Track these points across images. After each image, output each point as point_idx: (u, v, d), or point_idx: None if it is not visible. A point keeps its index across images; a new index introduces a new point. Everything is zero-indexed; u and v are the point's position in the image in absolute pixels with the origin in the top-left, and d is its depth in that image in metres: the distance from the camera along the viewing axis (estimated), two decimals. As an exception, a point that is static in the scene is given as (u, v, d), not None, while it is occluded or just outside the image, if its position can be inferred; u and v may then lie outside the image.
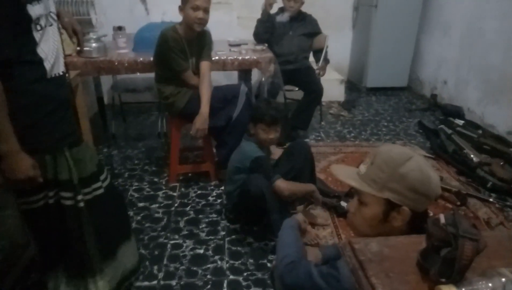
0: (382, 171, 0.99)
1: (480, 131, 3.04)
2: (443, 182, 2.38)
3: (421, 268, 0.74)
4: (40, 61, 1.22)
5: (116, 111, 3.59)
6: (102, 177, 1.42)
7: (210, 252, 1.88)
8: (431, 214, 1.07)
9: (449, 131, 3.04)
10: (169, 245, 1.93)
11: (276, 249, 1.38)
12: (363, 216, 1.04)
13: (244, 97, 2.39)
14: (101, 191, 1.41)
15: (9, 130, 1.13)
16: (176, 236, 1.99)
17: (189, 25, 2.18)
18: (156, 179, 2.55)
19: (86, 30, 2.59)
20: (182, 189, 2.44)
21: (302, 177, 2.04)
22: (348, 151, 3.02)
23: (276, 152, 2.25)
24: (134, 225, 2.06)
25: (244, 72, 3.15)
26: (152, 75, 2.49)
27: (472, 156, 2.64)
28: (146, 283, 1.69)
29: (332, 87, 4.04)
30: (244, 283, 1.70)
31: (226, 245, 1.93)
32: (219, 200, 2.30)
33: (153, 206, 2.26)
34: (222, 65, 2.69)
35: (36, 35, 1.19)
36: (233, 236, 2.00)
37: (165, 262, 1.81)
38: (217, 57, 2.63)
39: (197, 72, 2.35)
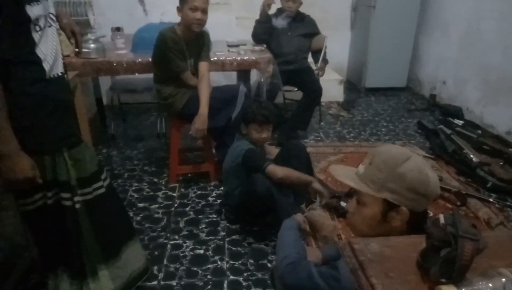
0: (381, 171, 0.99)
1: (479, 131, 3.04)
2: (443, 182, 2.38)
3: (421, 268, 0.74)
4: (39, 62, 1.22)
5: (115, 112, 3.59)
6: (102, 177, 1.43)
7: (210, 252, 1.88)
8: (431, 214, 1.07)
9: (449, 131, 3.05)
10: (169, 246, 1.93)
11: (276, 249, 1.38)
12: (362, 216, 1.04)
13: (243, 98, 2.39)
14: (102, 190, 1.41)
15: (9, 130, 1.13)
16: (176, 237, 1.99)
17: (188, 25, 2.18)
18: (155, 180, 2.55)
19: (84, 31, 2.60)
20: (182, 190, 2.44)
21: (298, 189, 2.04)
22: (348, 151, 3.02)
23: (273, 151, 2.25)
24: (134, 225, 2.05)
25: (243, 72, 3.15)
26: (151, 75, 2.49)
27: (471, 156, 2.64)
28: (146, 283, 1.68)
29: (331, 88, 4.04)
30: (244, 284, 1.70)
31: (226, 246, 1.93)
32: (219, 201, 2.30)
33: (153, 206, 2.25)
34: (221, 66, 2.69)
35: (35, 36, 1.19)
36: (233, 237, 2.00)
37: (165, 262, 1.81)
38: (216, 58, 2.63)
39: (196, 72, 2.35)
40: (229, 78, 3.80)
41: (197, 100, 2.24)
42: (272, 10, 3.16)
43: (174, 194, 2.38)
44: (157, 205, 2.27)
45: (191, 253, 1.88)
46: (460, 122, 3.24)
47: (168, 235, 2.00)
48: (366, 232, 1.03)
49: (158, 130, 3.27)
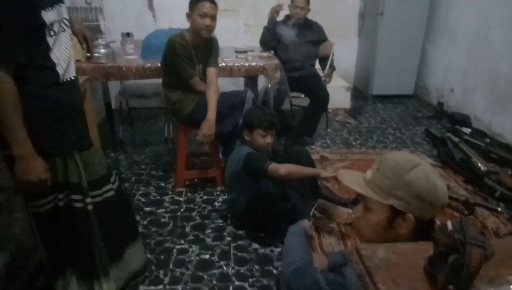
0: (388, 178, 0.99)
1: (487, 140, 3.02)
2: (450, 190, 2.36)
3: (428, 275, 0.74)
4: (53, 66, 1.25)
5: (124, 117, 3.62)
6: (112, 180, 1.44)
7: (215, 257, 1.88)
8: (438, 223, 1.07)
9: (456, 139, 3.03)
10: (175, 250, 1.93)
11: (282, 255, 1.38)
12: (368, 222, 1.04)
13: (250, 104, 2.40)
14: (111, 193, 1.43)
15: (23, 133, 1.16)
16: (182, 241, 2.00)
17: (197, 31, 2.20)
18: (162, 184, 2.56)
19: (95, 37, 2.63)
20: (189, 194, 2.45)
21: (304, 185, 2.04)
22: (355, 158, 3.01)
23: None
24: (140, 229, 2.06)
25: (251, 78, 3.17)
26: (159, 81, 2.52)
27: (479, 164, 2.62)
28: (152, 287, 1.69)
29: (338, 94, 4.05)
30: (249, 289, 1.69)
31: (232, 251, 1.93)
32: (225, 206, 2.31)
33: (160, 210, 2.27)
34: (229, 72, 2.71)
35: (50, 40, 1.22)
36: (239, 242, 2.00)
37: (171, 266, 1.82)
38: (224, 64, 2.65)
39: (204, 78, 2.37)
40: (236, 84, 3.82)
41: (205, 105, 2.26)
42: (280, 17, 3.19)
43: (181, 199, 2.40)
44: (163, 210, 2.28)
45: (197, 257, 1.88)
46: (468, 130, 3.22)
47: (174, 239, 2.01)
48: (372, 238, 1.03)
49: (165, 135, 3.30)
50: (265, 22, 3.18)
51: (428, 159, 2.91)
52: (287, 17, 3.23)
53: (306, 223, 1.49)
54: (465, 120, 3.58)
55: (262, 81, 3.51)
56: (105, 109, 3.28)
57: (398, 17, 4.15)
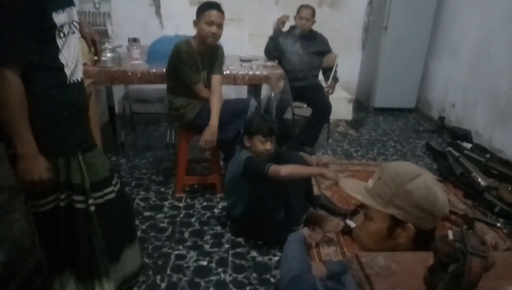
0: (388, 187, 0.99)
1: (488, 155, 3.03)
2: (450, 204, 2.35)
3: (428, 284, 0.74)
4: (61, 67, 1.26)
5: (126, 121, 3.64)
6: (114, 182, 1.45)
7: (213, 264, 1.88)
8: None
9: (457, 154, 3.04)
10: (173, 256, 1.92)
11: (281, 262, 1.37)
12: (368, 230, 1.04)
13: (253, 111, 2.42)
14: (112, 195, 1.43)
15: (28, 132, 1.17)
16: (180, 247, 1.99)
17: (203, 39, 2.23)
18: (162, 189, 2.57)
19: (102, 41, 2.66)
20: (188, 200, 2.45)
21: (299, 193, 2.05)
22: (355, 169, 3.02)
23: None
24: (139, 234, 2.06)
25: (254, 87, 3.19)
26: (163, 86, 2.54)
27: (479, 179, 2.62)
28: (148, 292, 1.68)
29: (340, 106, 4.07)
30: (246, 297, 1.69)
31: (230, 258, 1.93)
32: (224, 213, 2.31)
33: (159, 215, 2.26)
34: (233, 80, 2.73)
35: (59, 42, 1.24)
36: (237, 249, 1.99)
37: (168, 272, 1.81)
38: (228, 72, 2.67)
39: (208, 85, 2.39)
40: (239, 92, 3.85)
41: (208, 112, 2.28)
42: (285, 28, 3.22)
43: (180, 205, 2.39)
44: (162, 215, 2.27)
45: (195, 264, 1.87)
46: (469, 145, 3.23)
47: (173, 245, 2.01)
48: (372, 247, 1.03)
49: (167, 140, 3.31)
50: (269, 32, 3.22)
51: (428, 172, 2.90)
52: (293, 28, 3.27)
53: (306, 232, 1.48)
54: (466, 135, 3.59)
55: (265, 90, 3.54)
56: (108, 112, 3.30)
57: (401, 32, 4.20)
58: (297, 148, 3.18)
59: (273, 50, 3.19)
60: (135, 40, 3.17)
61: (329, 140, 3.58)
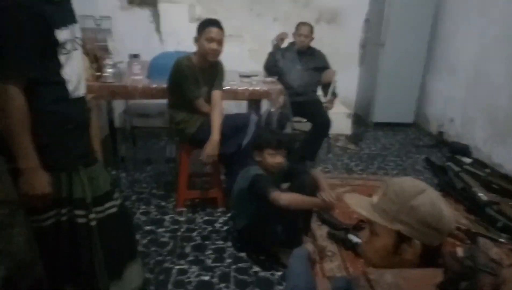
0: (393, 203, 0.99)
1: (488, 170, 3.03)
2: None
3: (438, 301, 0.73)
4: (63, 82, 1.27)
5: (127, 135, 3.64)
6: (115, 196, 1.44)
7: (216, 279, 1.86)
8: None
9: (457, 169, 3.04)
10: (174, 270, 1.90)
11: (286, 278, 1.36)
12: (374, 246, 1.04)
13: (254, 126, 2.43)
14: (114, 209, 1.43)
15: (30, 147, 1.17)
16: (182, 262, 1.97)
17: (203, 55, 2.26)
18: (163, 203, 2.55)
19: (103, 57, 2.68)
20: (189, 215, 2.43)
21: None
22: (355, 184, 3.01)
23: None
24: (140, 248, 2.04)
25: (254, 102, 3.21)
26: (163, 101, 2.55)
27: (480, 194, 2.62)
28: (149, 309, 1.66)
29: (339, 121, 4.09)
30: (249, 314, 1.66)
31: (232, 273, 1.91)
32: (225, 227, 2.29)
33: (160, 230, 2.25)
34: (233, 95, 2.75)
35: (62, 58, 1.25)
36: (240, 264, 1.97)
37: (170, 287, 1.79)
38: (228, 87, 2.69)
39: (208, 100, 2.40)
40: (239, 107, 3.87)
41: (209, 126, 2.29)
42: (284, 44, 3.27)
43: (181, 219, 2.38)
44: (163, 229, 2.26)
45: (196, 279, 1.85)
46: (468, 160, 3.24)
47: (174, 259, 1.99)
48: (378, 263, 1.02)
49: (167, 154, 3.31)
50: (269, 48, 3.26)
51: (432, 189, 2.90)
52: (292, 44, 3.31)
53: (310, 247, 1.47)
54: (465, 150, 3.61)
55: (264, 105, 3.55)
56: (108, 127, 3.30)
57: (399, 48, 4.26)
58: (297, 162, 3.18)
59: (273, 66, 3.22)
60: (135, 56, 3.19)
61: (330, 154, 3.58)
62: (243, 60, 4.13)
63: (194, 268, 1.92)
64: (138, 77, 2.83)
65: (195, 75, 2.28)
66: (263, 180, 1.92)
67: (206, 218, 2.41)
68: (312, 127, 3.27)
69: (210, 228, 2.29)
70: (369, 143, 4.01)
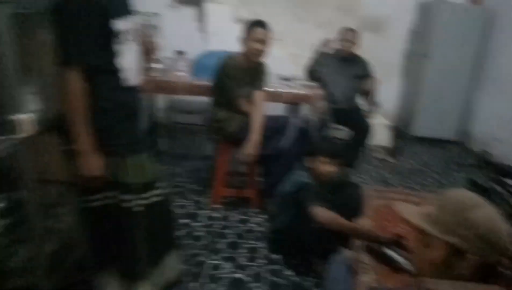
0: (450, 215, 0.96)
1: (536, 194, 2.87)
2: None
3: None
4: (119, 71, 1.33)
5: (167, 129, 3.73)
6: (160, 185, 1.48)
7: (249, 278, 1.86)
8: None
9: (502, 191, 2.90)
10: (208, 265, 1.93)
11: (325, 284, 1.35)
12: (425, 257, 1.01)
13: (293, 129, 2.42)
14: (158, 198, 1.46)
15: (87, 130, 1.23)
16: (215, 257, 1.99)
17: (249, 55, 2.29)
18: (199, 199, 2.59)
19: (155, 50, 2.77)
20: (224, 212, 2.46)
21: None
22: (390, 197, 2.92)
23: None
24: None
25: (293, 105, 3.21)
26: (205, 99, 2.59)
27: (528, 218, 2.48)
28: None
29: (379, 132, 3.99)
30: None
31: (265, 274, 1.90)
32: (259, 228, 2.30)
33: (194, 224, 2.28)
34: (275, 97, 2.76)
35: (118, 48, 1.30)
36: (273, 266, 1.97)
37: (203, 280, 1.81)
38: (271, 89, 2.70)
39: (250, 100, 2.42)
40: (276, 110, 3.86)
41: (248, 126, 2.30)
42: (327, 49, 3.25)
43: (216, 215, 2.41)
44: (199, 224, 2.29)
45: (230, 275, 1.87)
46: (515, 183, 3.07)
47: (208, 254, 2.01)
48: (429, 274, 0.99)
49: (205, 151, 3.35)
50: (310, 53, 3.25)
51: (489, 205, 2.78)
52: (334, 50, 3.28)
53: (349, 254, 1.45)
54: (511, 172, 3.42)
55: (303, 110, 3.54)
56: (149, 120, 3.39)
57: (444, 60, 4.12)
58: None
59: (314, 71, 3.21)
60: (181, 52, 3.27)
61: (367, 165, 3.51)
62: (283, 63, 4.13)
63: (228, 265, 1.94)
64: (182, 74, 2.90)
65: (239, 74, 2.31)
66: (311, 191, 1.89)
67: (241, 217, 2.42)
68: (353, 134, 3.22)
69: (244, 227, 2.30)
70: (408, 157, 3.89)
